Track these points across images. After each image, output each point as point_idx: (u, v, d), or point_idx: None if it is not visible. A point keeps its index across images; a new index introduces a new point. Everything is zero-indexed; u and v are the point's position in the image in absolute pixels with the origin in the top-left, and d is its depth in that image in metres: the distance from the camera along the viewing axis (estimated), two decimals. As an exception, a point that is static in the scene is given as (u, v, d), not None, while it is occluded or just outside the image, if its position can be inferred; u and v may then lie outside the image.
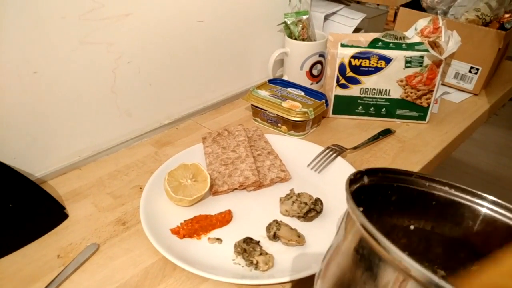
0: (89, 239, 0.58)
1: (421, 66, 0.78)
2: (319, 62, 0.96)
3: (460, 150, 1.84)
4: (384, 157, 0.74)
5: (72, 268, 0.53)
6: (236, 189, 0.65)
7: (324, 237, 0.56)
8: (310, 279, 0.51)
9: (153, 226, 0.57)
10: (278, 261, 0.53)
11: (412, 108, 0.83)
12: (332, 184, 0.65)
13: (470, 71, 0.95)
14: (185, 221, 0.58)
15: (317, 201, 0.59)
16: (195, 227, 0.56)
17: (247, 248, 0.52)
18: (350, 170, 0.67)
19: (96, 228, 0.60)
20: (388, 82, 0.81)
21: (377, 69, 0.80)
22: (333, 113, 0.87)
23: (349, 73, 0.82)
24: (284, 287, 0.50)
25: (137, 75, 0.77)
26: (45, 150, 0.69)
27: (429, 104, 0.82)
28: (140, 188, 0.68)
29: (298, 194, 0.60)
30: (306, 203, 0.58)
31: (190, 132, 0.84)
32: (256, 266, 0.51)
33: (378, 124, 0.84)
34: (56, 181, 0.70)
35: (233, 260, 0.53)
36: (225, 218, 0.58)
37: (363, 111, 0.86)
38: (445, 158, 0.81)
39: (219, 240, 0.56)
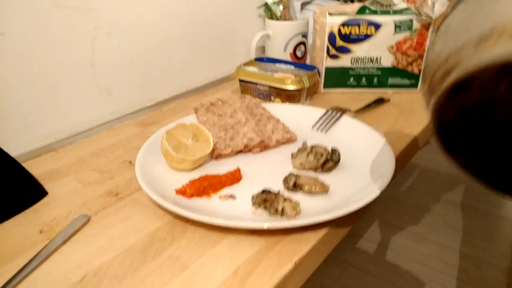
0: (76, 212, 0.49)
1: (410, 30, 0.78)
2: (302, 43, 0.94)
3: (422, 157, 1.91)
4: (386, 119, 0.71)
5: (60, 240, 0.44)
6: (240, 151, 0.59)
7: (347, 185, 0.51)
8: (346, 220, 0.45)
9: (155, 189, 0.49)
10: (304, 210, 0.46)
11: (404, 75, 0.82)
12: (342, 141, 0.61)
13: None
14: (190, 181, 0.50)
15: (334, 152, 0.54)
16: (204, 185, 0.49)
17: (268, 197, 0.46)
18: (359, 126, 0.63)
19: (83, 202, 0.51)
20: (378, 49, 0.80)
21: (367, 36, 0.79)
22: (325, 86, 0.84)
23: (339, 43, 0.80)
24: (317, 233, 0.44)
25: (118, 50, 0.70)
26: (15, 130, 0.60)
27: (420, 70, 0.82)
28: (130, 162, 0.60)
29: (312, 146, 0.55)
30: (322, 154, 0.53)
31: (176, 112, 0.77)
32: (282, 213, 0.44)
33: (370, 95, 0.82)
34: (29, 163, 0.61)
35: (254, 212, 0.46)
36: (235, 176, 0.52)
37: (355, 83, 0.83)
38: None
39: (232, 197, 0.49)
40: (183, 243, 0.44)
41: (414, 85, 0.83)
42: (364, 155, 0.56)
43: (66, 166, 0.60)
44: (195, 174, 0.54)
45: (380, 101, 0.78)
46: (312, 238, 0.44)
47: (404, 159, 0.63)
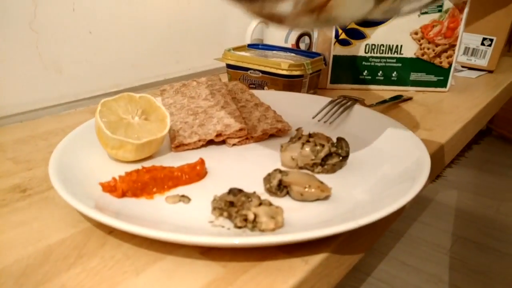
0: (-47, 212, 0.33)
1: (440, 11, 0.63)
2: (307, 34, 0.80)
3: (436, 190, 1.71)
4: (409, 118, 0.55)
5: None
6: (211, 142, 0.43)
7: (358, 189, 0.34)
8: (355, 243, 0.29)
9: (71, 182, 0.33)
10: (290, 221, 0.30)
11: (430, 70, 0.66)
12: (353, 135, 0.45)
13: (482, 43, 0.81)
14: (126, 173, 0.34)
15: (340, 142, 0.38)
16: (144, 179, 0.33)
17: (236, 200, 0.29)
18: (376, 116, 0.47)
19: (-29, 198, 0.35)
20: (399, 35, 0.64)
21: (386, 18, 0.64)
22: (332, 81, 0.68)
23: (351, 25, 0.64)
24: (307, 261, 0.27)
25: (70, 14, 0.56)
26: None
27: (450, 64, 0.66)
28: (62, 151, 0.44)
29: (310, 134, 0.39)
30: (323, 145, 0.37)
31: (145, 102, 0.62)
32: (254, 224, 0.28)
33: (388, 94, 0.65)
34: None
35: (212, 222, 0.30)
36: (195, 170, 0.35)
37: (369, 77, 0.68)
38: (479, 127, 0.63)
39: (184, 198, 0.33)
40: (93, 264, 0.27)
41: (443, 83, 0.67)
42: (383, 153, 0.40)
43: (-24, 153, 0.44)
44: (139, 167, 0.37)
45: (399, 98, 0.62)
46: (300, 268, 0.27)
47: (439, 162, 0.46)
